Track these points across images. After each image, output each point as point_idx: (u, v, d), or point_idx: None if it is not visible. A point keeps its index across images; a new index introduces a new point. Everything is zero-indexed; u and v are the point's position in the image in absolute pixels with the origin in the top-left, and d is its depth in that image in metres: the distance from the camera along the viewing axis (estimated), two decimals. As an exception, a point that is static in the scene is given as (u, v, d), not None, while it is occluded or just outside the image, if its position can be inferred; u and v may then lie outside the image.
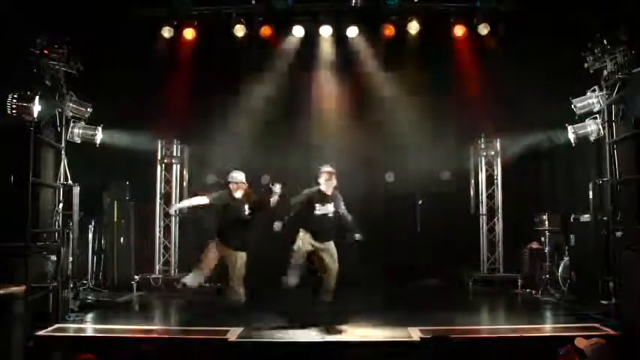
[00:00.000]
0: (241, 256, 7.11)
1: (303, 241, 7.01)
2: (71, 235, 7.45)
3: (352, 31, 9.23)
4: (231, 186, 7.24)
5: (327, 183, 7.04)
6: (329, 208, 7.02)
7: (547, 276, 8.67)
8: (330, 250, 7.05)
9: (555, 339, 5.58)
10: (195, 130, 10.05)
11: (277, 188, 7.09)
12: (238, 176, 7.25)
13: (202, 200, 7.23)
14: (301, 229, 7.07)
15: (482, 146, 10.37)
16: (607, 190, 7.16)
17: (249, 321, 6.46)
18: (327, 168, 7.12)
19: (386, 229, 9.72)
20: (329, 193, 7.06)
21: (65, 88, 7.36)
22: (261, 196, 7.36)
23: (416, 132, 9.72)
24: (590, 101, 7.27)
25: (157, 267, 10.01)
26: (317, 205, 7.00)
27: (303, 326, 6.37)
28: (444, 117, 9.88)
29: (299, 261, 7.01)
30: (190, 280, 7.37)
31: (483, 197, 10.36)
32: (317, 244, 7.03)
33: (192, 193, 8.77)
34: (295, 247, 7.02)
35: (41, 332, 6.05)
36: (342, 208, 7.14)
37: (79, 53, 7.34)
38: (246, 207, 7.20)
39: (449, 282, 9.90)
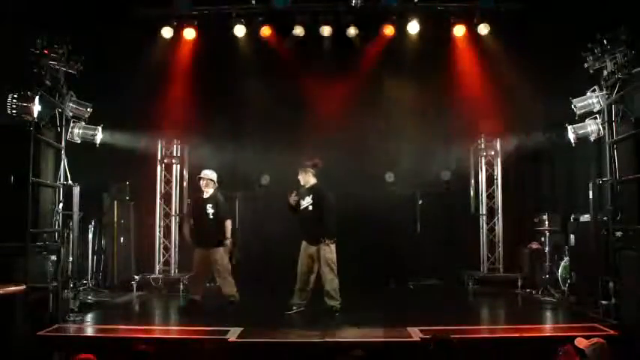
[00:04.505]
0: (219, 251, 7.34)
1: None
2: (71, 235, 7.44)
3: (352, 31, 9.23)
4: (201, 182, 7.40)
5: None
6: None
7: (547, 276, 8.66)
8: None
9: (555, 339, 5.56)
10: (195, 130, 10.04)
11: None
12: (210, 174, 7.47)
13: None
14: None
15: (482, 146, 10.37)
16: (607, 190, 7.16)
17: (249, 321, 6.46)
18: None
19: (386, 229, 9.70)
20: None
21: (65, 88, 7.34)
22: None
23: (416, 132, 9.72)
24: (590, 101, 7.26)
25: (157, 267, 9.99)
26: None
27: (303, 326, 6.36)
28: (444, 117, 9.87)
29: None
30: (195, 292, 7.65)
31: (483, 197, 10.35)
32: None
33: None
34: None
35: (41, 332, 6.04)
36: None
37: (79, 53, 7.33)
38: (210, 207, 7.40)
39: (449, 282, 9.89)
